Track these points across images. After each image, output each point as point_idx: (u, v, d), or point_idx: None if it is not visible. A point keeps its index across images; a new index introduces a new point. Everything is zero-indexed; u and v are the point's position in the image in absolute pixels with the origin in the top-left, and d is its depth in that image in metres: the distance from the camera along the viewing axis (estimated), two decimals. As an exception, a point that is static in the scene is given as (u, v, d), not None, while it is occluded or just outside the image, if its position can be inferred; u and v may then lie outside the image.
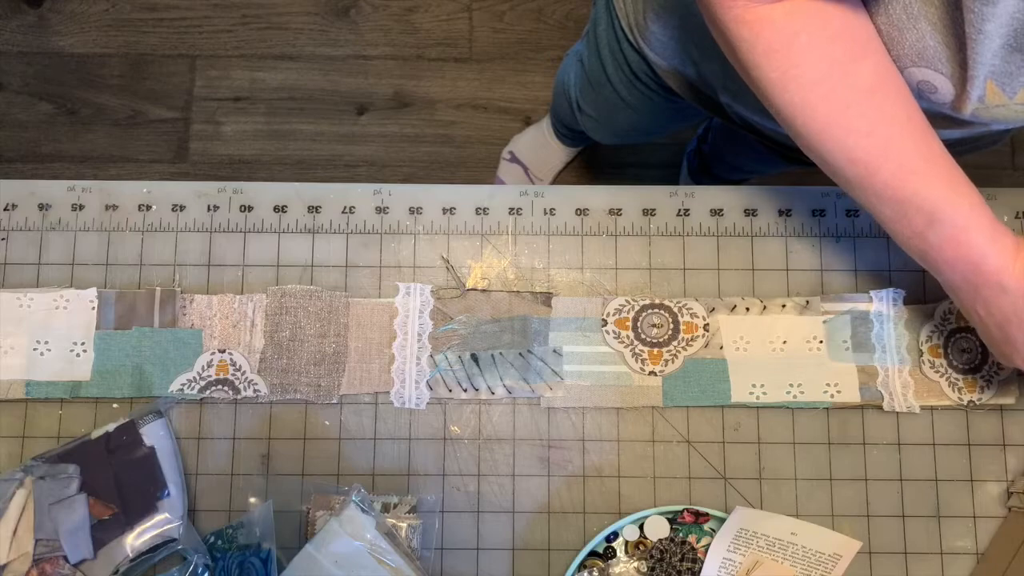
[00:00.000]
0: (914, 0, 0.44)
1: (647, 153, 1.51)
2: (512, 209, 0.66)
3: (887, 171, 0.48)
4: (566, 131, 1.32)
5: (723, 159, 1.25)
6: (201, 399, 0.63)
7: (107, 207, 0.66)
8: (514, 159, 1.45)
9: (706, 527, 0.61)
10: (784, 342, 0.63)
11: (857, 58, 0.47)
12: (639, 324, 0.64)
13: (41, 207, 0.66)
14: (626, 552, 0.61)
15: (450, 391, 0.63)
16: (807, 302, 0.64)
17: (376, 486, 0.62)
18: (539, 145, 1.43)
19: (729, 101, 0.70)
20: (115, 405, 0.63)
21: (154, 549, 0.59)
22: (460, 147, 1.50)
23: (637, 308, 0.64)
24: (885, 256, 0.65)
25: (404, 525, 0.59)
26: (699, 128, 1.35)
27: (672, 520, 0.61)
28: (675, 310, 0.64)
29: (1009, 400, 0.63)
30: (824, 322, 0.63)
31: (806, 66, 0.47)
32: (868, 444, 0.63)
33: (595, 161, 1.51)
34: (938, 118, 0.52)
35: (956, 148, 0.54)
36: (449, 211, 0.66)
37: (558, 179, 1.48)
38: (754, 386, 0.63)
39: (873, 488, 0.62)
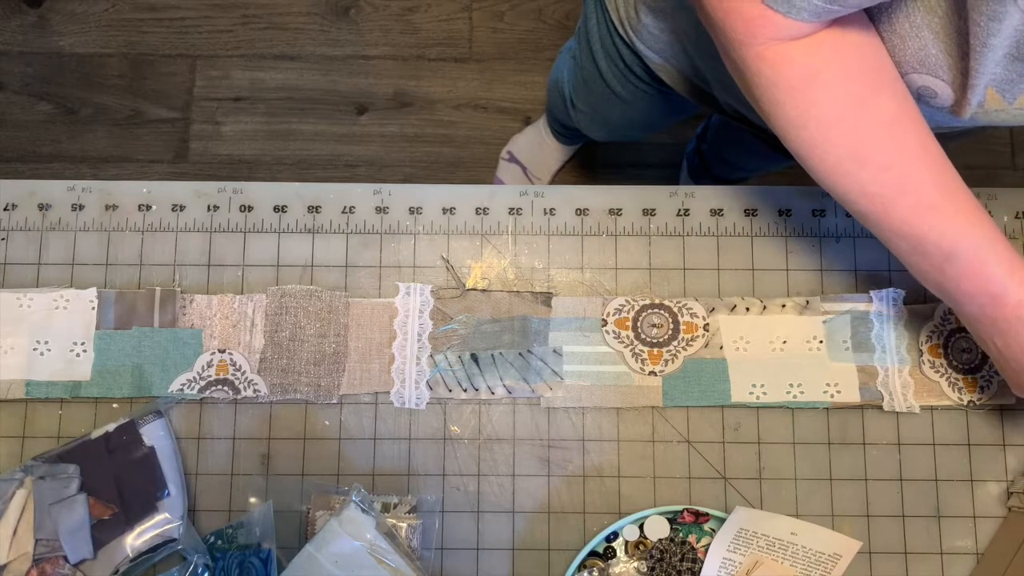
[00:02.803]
0: (917, 10, 0.44)
1: (646, 153, 1.51)
2: (512, 209, 0.66)
3: (904, 206, 0.48)
4: (562, 129, 1.32)
5: (722, 157, 1.25)
6: (201, 399, 0.63)
7: (107, 207, 0.66)
8: (513, 159, 1.45)
9: (706, 527, 0.61)
10: (784, 342, 0.63)
11: (876, 92, 0.47)
12: (639, 324, 0.64)
13: (41, 207, 0.66)
14: (626, 552, 0.61)
15: (450, 391, 0.63)
16: (807, 302, 0.64)
17: (376, 486, 0.62)
18: (537, 145, 1.43)
19: (723, 95, 0.70)
20: (115, 405, 0.63)
21: (154, 549, 0.59)
22: (460, 147, 1.50)
23: (637, 308, 0.64)
24: (885, 256, 0.65)
25: (404, 525, 0.59)
26: (698, 127, 1.35)
27: (672, 520, 0.61)
28: (675, 310, 0.64)
29: (1009, 400, 0.63)
30: (824, 322, 0.63)
31: (826, 104, 0.47)
32: (868, 444, 0.63)
33: (595, 161, 1.51)
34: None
35: (946, 136, 0.54)
36: (449, 211, 0.66)
37: (558, 179, 1.48)
38: (754, 386, 0.63)
39: (873, 488, 0.62)
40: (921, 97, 0.49)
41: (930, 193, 0.48)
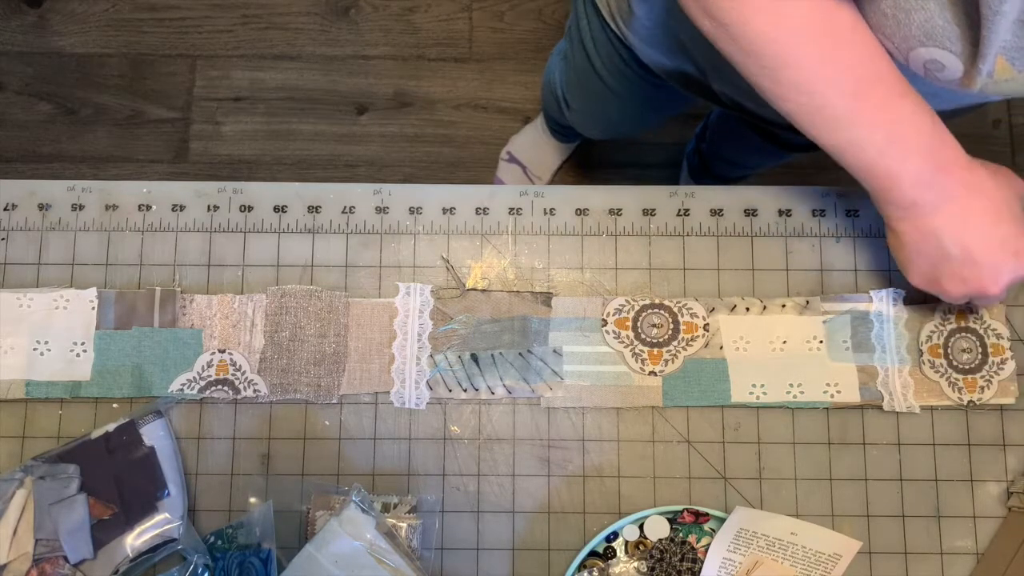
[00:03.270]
0: None
1: (646, 153, 1.51)
2: (512, 209, 0.66)
3: (878, 95, 0.50)
4: (559, 128, 1.32)
5: (722, 155, 1.25)
6: (201, 399, 0.63)
7: (107, 207, 0.66)
8: (512, 159, 1.46)
9: (706, 527, 0.61)
10: (784, 342, 0.63)
11: (836, 3, 0.49)
12: (639, 324, 0.64)
13: (41, 207, 0.66)
14: (626, 552, 0.61)
15: (450, 391, 0.63)
16: (807, 302, 0.64)
17: (376, 486, 0.62)
18: (536, 144, 1.44)
19: (718, 82, 0.70)
20: (115, 405, 0.63)
21: (154, 549, 0.59)
22: (460, 147, 1.50)
23: (637, 308, 0.64)
24: (885, 256, 0.65)
25: (404, 525, 0.59)
26: (697, 127, 1.35)
27: (672, 520, 0.61)
28: (675, 310, 0.64)
29: (1009, 400, 0.63)
30: (824, 322, 0.63)
31: (792, 9, 0.48)
32: (868, 444, 0.63)
33: (595, 161, 1.51)
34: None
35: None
36: (449, 211, 0.66)
37: (558, 179, 1.48)
38: (754, 386, 0.63)
39: (873, 488, 0.62)
40: (928, 72, 0.50)
41: (899, 84, 0.50)
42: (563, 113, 1.04)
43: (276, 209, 0.66)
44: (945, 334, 0.63)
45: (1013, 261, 0.53)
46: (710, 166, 1.31)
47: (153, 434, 0.61)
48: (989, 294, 0.54)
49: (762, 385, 0.63)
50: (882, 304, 0.64)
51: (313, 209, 0.66)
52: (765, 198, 0.66)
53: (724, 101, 0.74)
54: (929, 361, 0.63)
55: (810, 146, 1.10)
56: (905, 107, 0.51)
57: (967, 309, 0.64)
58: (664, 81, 0.76)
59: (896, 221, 0.55)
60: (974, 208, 0.53)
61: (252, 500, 0.62)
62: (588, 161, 1.51)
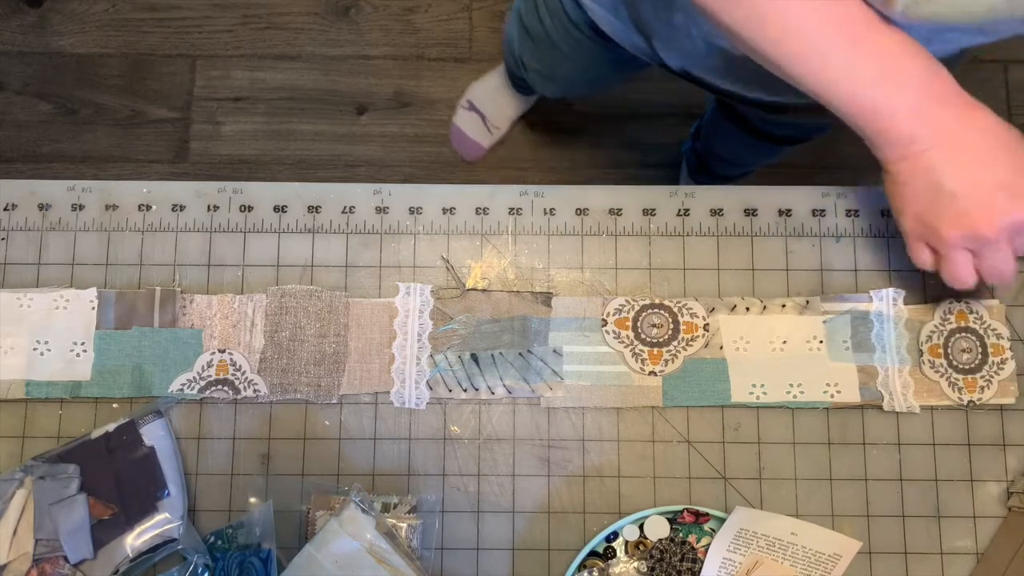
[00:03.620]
0: None
1: (646, 153, 1.51)
2: (512, 209, 0.66)
3: (862, 26, 0.50)
4: (521, 82, 1.33)
5: (716, 153, 1.26)
6: (201, 399, 0.63)
7: (107, 207, 0.66)
8: (472, 107, 1.45)
9: (706, 527, 0.61)
10: (784, 342, 0.63)
11: None
12: (639, 324, 0.64)
13: (41, 207, 0.66)
14: (626, 552, 0.61)
15: (450, 391, 0.63)
16: (807, 302, 0.64)
17: (376, 486, 0.62)
18: (497, 93, 1.44)
19: (663, 48, 0.70)
20: (115, 405, 0.63)
21: (154, 549, 0.59)
22: (460, 147, 1.50)
23: (637, 308, 0.64)
24: (885, 256, 0.65)
25: (404, 525, 0.59)
26: (692, 127, 1.35)
27: (672, 520, 0.61)
28: (675, 310, 0.64)
29: (1009, 400, 0.63)
30: (824, 322, 0.63)
31: None
32: (868, 444, 0.63)
33: (594, 161, 1.51)
34: None
35: None
36: (449, 211, 0.66)
37: (558, 179, 1.48)
38: (754, 386, 0.63)
39: (873, 488, 0.62)
40: None
41: (876, 16, 0.50)
42: (522, 74, 1.06)
43: (276, 209, 0.66)
44: (945, 334, 0.63)
45: (1006, 200, 0.51)
46: (707, 165, 1.32)
47: (153, 434, 0.61)
48: (984, 235, 0.52)
49: (762, 385, 0.63)
50: (882, 304, 0.64)
51: (313, 209, 0.66)
52: (765, 198, 0.66)
53: (672, 69, 0.75)
54: (929, 361, 0.63)
55: (796, 139, 1.10)
56: (893, 36, 0.50)
57: (966, 307, 0.64)
58: (616, 43, 0.77)
59: (892, 163, 0.54)
60: (970, 142, 0.51)
61: (252, 500, 0.62)
62: (587, 161, 1.51)
